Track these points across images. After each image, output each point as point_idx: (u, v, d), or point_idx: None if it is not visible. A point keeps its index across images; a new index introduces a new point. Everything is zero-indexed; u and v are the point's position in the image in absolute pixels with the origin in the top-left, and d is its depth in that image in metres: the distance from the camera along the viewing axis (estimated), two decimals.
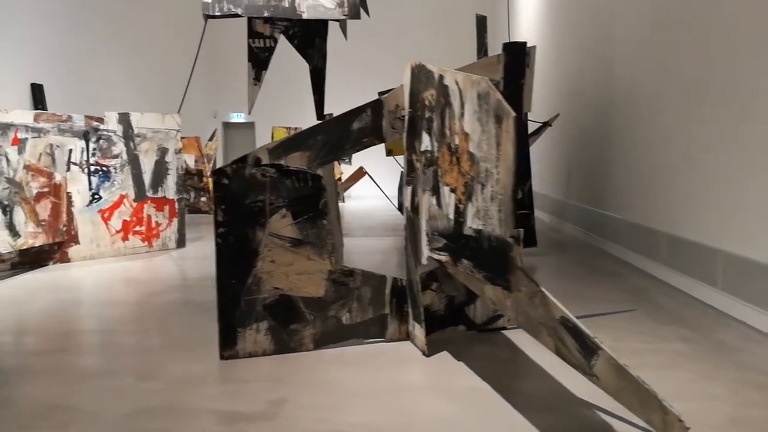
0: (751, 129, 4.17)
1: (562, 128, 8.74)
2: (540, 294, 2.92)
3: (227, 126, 16.39)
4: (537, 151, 10.61)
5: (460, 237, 3.14)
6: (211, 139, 11.72)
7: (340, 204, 12.48)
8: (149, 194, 7.16)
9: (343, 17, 6.90)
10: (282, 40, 6.81)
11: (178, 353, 3.68)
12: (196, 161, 11.09)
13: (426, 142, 3.42)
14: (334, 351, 3.67)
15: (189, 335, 3.99)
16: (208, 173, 11.48)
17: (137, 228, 7.09)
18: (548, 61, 10.13)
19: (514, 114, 2.61)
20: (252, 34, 6.67)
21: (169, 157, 7.26)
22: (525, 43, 3.85)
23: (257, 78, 6.91)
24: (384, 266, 6.38)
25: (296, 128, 13.01)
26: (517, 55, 3.83)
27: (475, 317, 4.07)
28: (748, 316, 4.16)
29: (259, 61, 6.80)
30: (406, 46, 13.94)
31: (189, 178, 11.19)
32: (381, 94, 8.17)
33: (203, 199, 11.33)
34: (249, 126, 15.41)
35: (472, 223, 3.05)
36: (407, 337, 3.85)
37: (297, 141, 3.53)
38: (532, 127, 8.08)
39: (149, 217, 7.17)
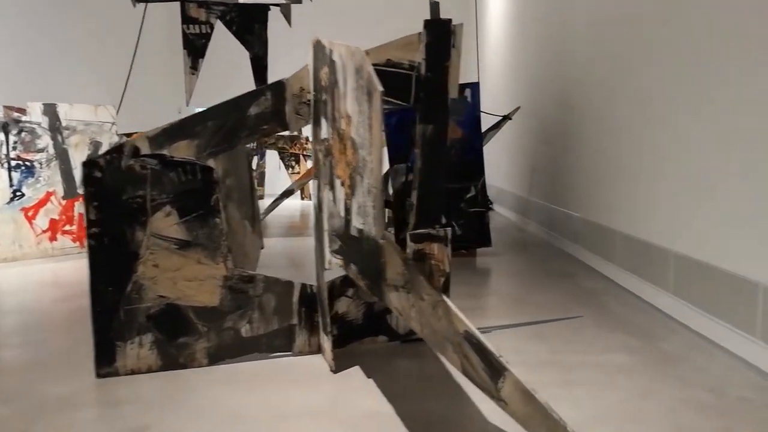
0: (699, 132, 3.80)
1: (524, 122, 8.37)
2: (443, 304, 2.52)
3: None
4: (501, 146, 10.26)
5: (349, 237, 2.74)
6: None
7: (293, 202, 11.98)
8: (80, 191, 6.67)
9: (285, 2, 6.47)
10: (220, 26, 6.38)
11: (53, 371, 3.24)
12: None
13: (324, 129, 3.01)
14: (230, 367, 3.25)
15: (74, 349, 3.54)
16: None
17: (67, 227, 6.61)
18: (512, 51, 9.76)
19: (381, 89, 2.20)
20: (186, 19, 6.23)
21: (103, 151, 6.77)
22: (450, 20, 3.44)
23: (194, 67, 6.48)
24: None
25: None
26: (441, 34, 3.42)
27: (397, 327, 3.68)
28: (697, 323, 3.79)
29: (196, 48, 6.36)
30: (359, 33, 13.57)
31: None
32: None
33: None
34: None
35: (356, 222, 2.65)
36: (319, 350, 3.44)
37: (183, 128, 3.10)
38: (492, 121, 7.71)
39: (81, 215, 6.69)
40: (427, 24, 3.38)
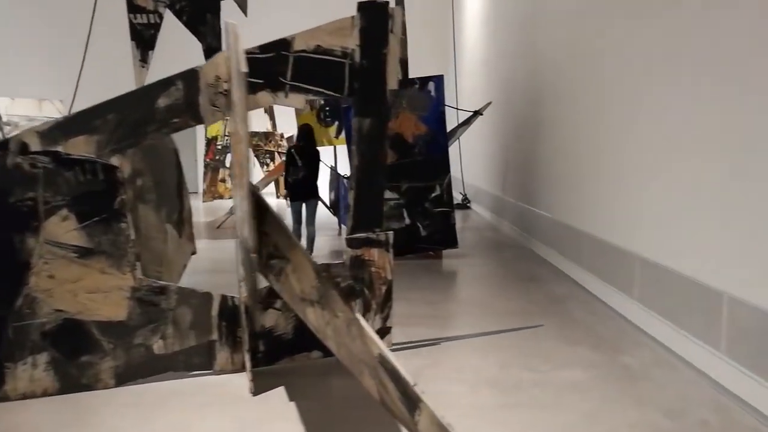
0: (664, 135, 3.50)
1: (499, 118, 8.07)
2: (356, 323, 2.19)
3: None
4: (477, 143, 9.96)
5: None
6: None
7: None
8: None
9: None
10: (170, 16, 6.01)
11: None
12: None
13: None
14: (141, 388, 2.91)
15: None
16: None
17: None
18: (488, 47, 9.45)
19: (244, 70, 1.86)
20: (132, 8, 5.84)
21: None
22: (387, 2, 3.11)
23: (143, 59, 6.07)
24: None
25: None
26: (378, 18, 3.09)
27: None
28: (663, 334, 3.49)
29: (144, 39, 5.96)
30: (320, 22, 13.09)
31: None
32: None
33: None
34: None
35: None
36: (243, 367, 3.10)
37: (80, 121, 2.76)
38: (462, 117, 7.42)
39: None
40: (362, 6, 3.05)
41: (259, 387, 2.90)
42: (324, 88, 3.12)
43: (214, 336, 3.07)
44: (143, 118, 2.82)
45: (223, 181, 12.86)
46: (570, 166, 5.32)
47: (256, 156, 12.55)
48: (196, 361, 3.06)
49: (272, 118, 11.90)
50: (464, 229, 8.40)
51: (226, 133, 12.81)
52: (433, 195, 5.99)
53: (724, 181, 2.90)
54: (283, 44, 3.02)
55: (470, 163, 10.90)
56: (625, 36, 4.12)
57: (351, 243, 3.27)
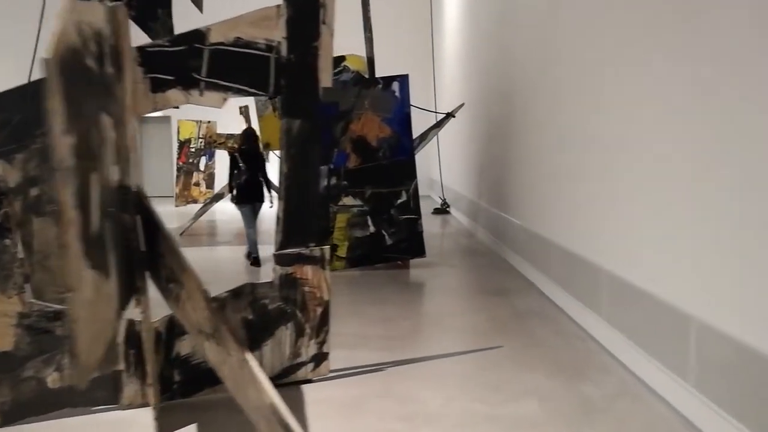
0: (637, 147, 3.17)
1: (475, 120, 7.74)
2: (247, 366, 1.84)
3: (141, 120, 15.03)
4: (455, 146, 9.63)
5: None
6: None
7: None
8: None
9: None
10: None
11: None
12: None
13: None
14: (30, 427, 2.55)
15: None
16: None
17: None
18: (465, 49, 9.13)
19: (48, 56, 1.51)
20: None
21: None
22: None
23: None
24: None
25: (208, 122, 11.83)
26: (306, 7, 2.75)
27: (262, 368, 2.99)
28: (630, 359, 3.16)
29: None
30: None
31: None
32: None
33: None
34: (165, 120, 14.11)
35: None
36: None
37: None
38: (438, 118, 7.08)
39: None
40: None
41: (167, 425, 2.54)
42: (246, 86, 2.77)
43: (121, 366, 2.71)
44: (29, 121, 2.45)
45: (197, 184, 12.51)
46: (538, 172, 5.00)
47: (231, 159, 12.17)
48: (100, 394, 2.70)
49: (248, 120, 11.56)
50: (439, 236, 8.08)
51: (200, 136, 12.46)
52: (399, 201, 5.65)
53: (701, 198, 2.57)
54: (197, 36, 2.67)
55: (450, 167, 10.57)
56: (596, 38, 3.79)
57: (280, 260, 2.92)
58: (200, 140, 12.33)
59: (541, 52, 4.93)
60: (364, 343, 3.69)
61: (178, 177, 12.19)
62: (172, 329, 2.79)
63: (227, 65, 2.71)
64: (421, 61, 11.86)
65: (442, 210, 10.56)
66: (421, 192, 13.25)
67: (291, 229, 2.93)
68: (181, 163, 12.21)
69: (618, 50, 3.40)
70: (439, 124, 6.88)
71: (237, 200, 6.00)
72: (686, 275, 2.65)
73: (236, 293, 2.88)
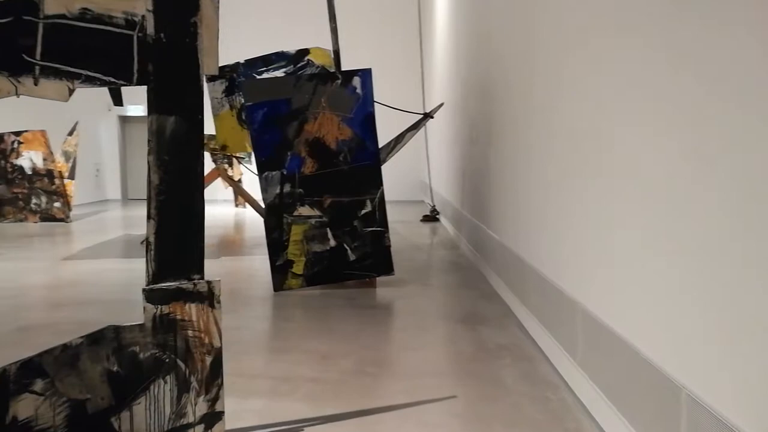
0: (631, 166, 2.49)
1: (458, 121, 7.07)
2: None
3: (125, 120, 14.46)
4: (443, 149, 8.97)
5: None
6: (71, 133, 9.87)
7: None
8: None
9: None
10: None
11: None
12: (44, 159, 9.23)
13: None
14: None
15: None
16: (65, 173, 9.65)
17: None
18: (452, 46, 8.46)
19: None
20: None
21: None
22: None
23: None
24: None
25: None
26: None
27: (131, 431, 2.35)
28: (608, 422, 2.48)
29: None
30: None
31: (38, 179, 9.35)
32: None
33: (57, 204, 9.47)
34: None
35: None
36: None
37: None
38: (410, 120, 6.42)
39: None
40: None
41: None
42: (100, 72, 2.12)
43: None
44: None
45: None
46: (513, 182, 4.32)
47: (214, 160, 11.59)
48: None
49: None
50: (421, 247, 7.41)
51: None
52: (363, 212, 4.99)
53: (705, 238, 1.89)
54: (27, 5, 2.03)
55: (438, 171, 9.92)
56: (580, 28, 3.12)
57: (153, 296, 2.27)
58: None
59: (520, 41, 4.25)
60: (288, 389, 3.03)
61: None
62: (5, 386, 2.16)
63: (71, 45, 2.08)
64: (411, 59, 11.23)
65: (432, 217, 9.89)
66: (413, 197, 12.70)
67: (166, 256, 2.28)
68: None
69: (612, 41, 2.72)
70: (415, 126, 6.22)
71: None
72: (678, 331, 1.97)
73: (95, 339, 2.24)
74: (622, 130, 2.43)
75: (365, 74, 4.82)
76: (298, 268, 5.01)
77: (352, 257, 5.05)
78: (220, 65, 6.20)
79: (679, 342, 1.95)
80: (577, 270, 2.98)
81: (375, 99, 5.43)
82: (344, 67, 4.98)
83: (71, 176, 9.71)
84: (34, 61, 2.04)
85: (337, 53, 5.56)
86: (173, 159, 2.23)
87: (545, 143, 3.57)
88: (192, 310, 2.34)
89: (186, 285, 2.31)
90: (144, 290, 2.27)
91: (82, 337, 2.22)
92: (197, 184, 2.30)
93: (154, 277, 2.28)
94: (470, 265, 6.07)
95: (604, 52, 2.63)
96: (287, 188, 4.86)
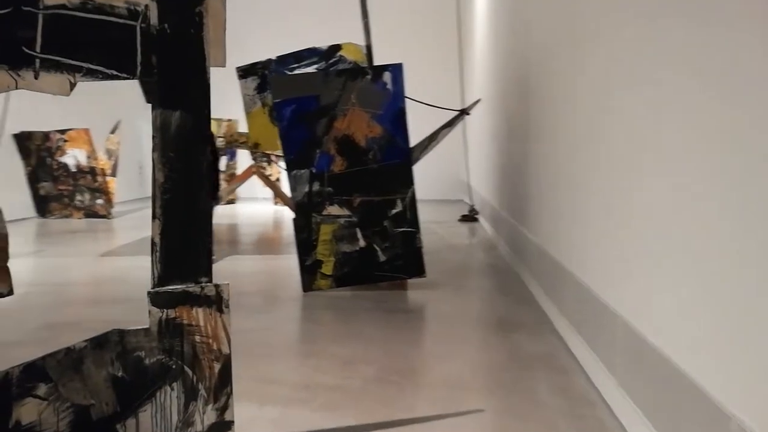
0: (664, 168, 2.26)
1: (496, 117, 6.83)
2: None
3: None
4: (482, 146, 8.73)
5: None
6: (113, 131, 10.05)
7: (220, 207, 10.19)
8: None
9: None
10: None
11: None
12: (88, 157, 9.42)
13: None
14: None
15: None
16: (108, 171, 9.83)
17: None
18: (492, 36, 8.20)
19: None
20: None
21: None
22: None
23: None
24: None
25: (229, 120, 11.30)
26: None
27: None
28: None
29: None
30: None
31: (81, 176, 9.55)
32: (241, 69, 6.39)
33: (99, 201, 9.66)
34: None
35: None
36: None
37: None
38: (445, 117, 6.21)
39: None
40: None
41: None
42: (102, 65, 2.03)
43: None
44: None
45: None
46: (552, 180, 4.08)
47: (253, 159, 11.64)
48: None
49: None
50: (457, 248, 7.19)
51: (220, 135, 11.96)
52: (394, 212, 4.83)
53: (764, 255, 1.66)
54: None
55: (478, 169, 9.67)
56: (640, 31, 2.88)
57: (159, 299, 2.17)
58: (220, 139, 11.85)
59: (563, 29, 4.01)
60: (306, 396, 2.90)
61: None
62: (8, 390, 2.09)
63: (72, 37, 1.98)
64: (448, 53, 10.99)
65: (470, 217, 9.65)
66: (452, 196, 12.46)
67: (173, 258, 2.18)
68: None
69: (656, 34, 2.49)
70: (451, 123, 6.02)
71: None
72: (730, 357, 1.74)
73: (99, 343, 2.15)
74: (682, 127, 2.20)
75: (396, 69, 4.65)
76: (328, 268, 4.89)
77: (382, 258, 4.89)
78: (251, 62, 6.17)
79: (731, 368, 1.72)
80: (620, 280, 2.74)
81: (408, 95, 5.27)
82: (378, 62, 4.82)
83: (113, 174, 9.89)
84: (34, 53, 1.95)
85: (369, 49, 5.40)
86: (179, 156, 2.12)
87: (589, 140, 3.33)
88: (199, 314, 2.23)
89: (193, 288, 2.20)
90: (149, 293, 2.17)
91: (86, 340, 2.14)
92: (204, 182, 2.18)
93: (160, 279, 2.18)
94: (507, 268, 5.84)
95: (666, 40, 2.39)
96: (316, 187, 4.75)
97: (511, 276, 5.48)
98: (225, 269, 6.10)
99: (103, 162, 9.77)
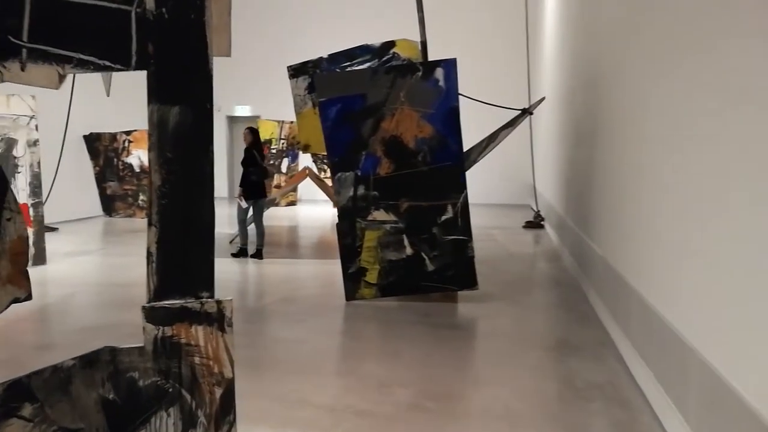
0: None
1: (563, 117, 6.35)
2: None
3: (232, 120, 14.89)
4: (548, 147, 8.23)
5: None
6: None
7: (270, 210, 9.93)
8: None
9: None
10: None
11: None
12: None
13: None
14: None
15: None
16: None
17: None
18: (560, 31, 7.70)
19: None
20: None
21: (19, 151, 5.69)
22: None
23: None
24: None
25: (291, 122, 11.27)
26: None
27: None
28: None
29: None
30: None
31: (145, 176, 9.73)
32: (292, 68, 6.21)
33: None
34: (256, 120, 13.85)
35: None
36: None
37: None
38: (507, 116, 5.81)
39: None
40: None
41: None
42: (94, 56, 1.83)
43: None
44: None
45: (279, 187, 12.01)
46: (625, 191, 3.64)
47: (314, 161, 11.57)
48: None
49: None
50: (519, 257, 6.74)
51: (282, 136, 11.96)
52: (444, 218, 4.50)
53: None
54: None
55: (544, 173, 9.15)
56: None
57: (153, 315, 1.96)
58: (282, 141, 11.83)
59: (628, 24, 3.57)
60: (330, 422, 2.63)
61: None
62: None
63: (62, 24, 1.80)
64: (514, 48, 10.49)
65: (535, 224, 9.13)
66: (517, 201, 11.89)
67: (170, 270, 1.96)
68: None
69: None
70: (512, 123, 5.61)
71: (248, 195, 6.37)
72: None
73: (89, 361, 1.96)
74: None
75: (449, 65, 4.32)
76: (372, 276, 4.62)
77: (430, 267, 4.57)
78: (302, 61, 5.98)
79: None
80: (695, 308, 2.31)
81: (466, 93, 4.94)
82: (435, 59, 4.52)
83: None
84: (21, 43, 1.78)
85: (424, 44, 5.11)
86: (178, 156, 1.90)
87: (662, 146, 2.90)
88: (199, 333, 2.00)
89: (192, 304, 1.98)
90: (144, 308, 1.96)
91: (74, 358, 1.96)
92: (206, 186, 1.95)
93: (156, 293, 1.96)
94: (570, 281, 5.37)
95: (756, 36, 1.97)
96: (361, 190, 4.49)
97: (574, 290, 5.02)
98: (275, 273, 5.96)
99: None
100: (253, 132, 6.63)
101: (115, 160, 9.74)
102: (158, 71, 1.85)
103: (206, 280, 1.99)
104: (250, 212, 6.49)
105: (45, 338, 3.83)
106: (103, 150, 9.77)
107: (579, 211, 5.41)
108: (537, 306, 4.72)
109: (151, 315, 1.96)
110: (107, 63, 1.85)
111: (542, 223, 9.14)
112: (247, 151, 6.45)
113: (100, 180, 9.85)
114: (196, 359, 2.01)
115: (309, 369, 3.31)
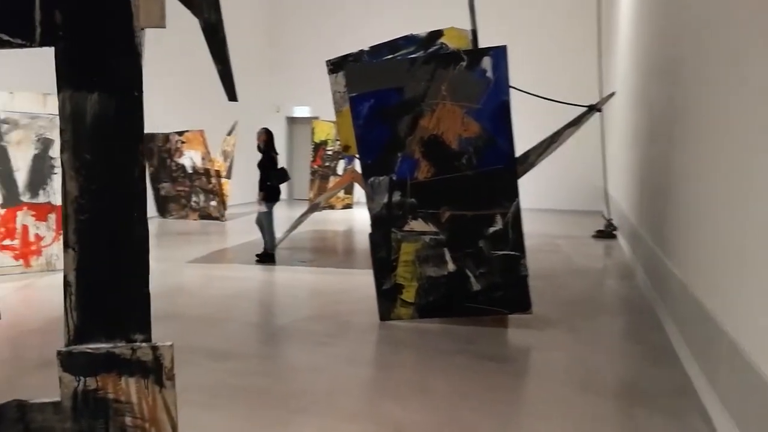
0: None
1: (638, 116, 5.59)
2: None
3: (292, 121, 14.66)
4: (621, 149, 7.41)
5: None
6: (230, 133, 10.01)
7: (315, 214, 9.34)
8: (24, 199, 5.51)
9: None
10: None
11: None
12: (202, 159, 9.43)
13: None
14: None
15: None
16: (223, 173, 9.81)
17: (7, 242, 5.47)
18: (633, 20, 6.88)
19: None
20: None
21: (56, 151, 5.54)
22: None
23: None
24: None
25: None
26: None
27: None
28: None
29: None
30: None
31: (196, 178, 9.60)
32: (331, 63, 5.76)
33: (213, 203, 9.65)
34: (311, 120, 13.55)
35: None
36: None
37: None
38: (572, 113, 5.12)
39: (25, 227, 5.53)
40: None
41: None
42: None
43: None
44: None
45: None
46: (710, 202, 2.94)
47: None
48: None
49: None
50: (585, 272, 6.01)
51: (337, 138, 11.59)
52: (492, 230, 3.91)
53: None
54: None
55: (616, 178, 8.31)
56: None
57: (71, 363, 1.53)
58: (338, 142, 11.47)
59: (718, 8, 2.87)
60: None
61: (312, 181, 11.45)
62: None
63: None
64: (585, 36, 9.65)
65: (607, 233, 8.29)
66: (588, 207, 11.00)
67: (93, 305, 1.52)
68: (315, 167, 11.46)
69: None
70: (577, 121, 4.93)
71: (270, 199, 6.26)
72: None
73: None
74: None
75: (498, 53, 3.73)
76: (409, 294, 4.09)
77: (476, 287, 3.99)
78: (341, 54, 5.52)
79: None
80: None
81: (520, 86, 4.32)
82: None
83: (228, 176, 9.85)
84: None
85: (474, 33, 4.54)
86: (99, 158, 1.46)
87: (758, 149, 2.22)
88: (131, 386, 1.55)
89: (121, 349, 1.53)
90: (59, 353, 1.54)
91: None
92: (137, 198, 1.50)
93: (77, 334, 1.53)
94: (643, 305, 4.63)
95: None
96: (396, 197, 3.97)
97: (647, 317, 4.29)
98: (309, 283, 5.55)
99: (218, 164, 9.77)
100: (268, 133, 6.44)
101: (168, 160, 9.66)
102: (69, 47, 1.42)
103: (139, 319, 1.54)
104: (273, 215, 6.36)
105: (46, 354, 3.55)
106: (157, 150, 9.72)
107: (654, 222, 4.67)
108: (601, 335, 4.04)
109: (69, 362, 1.53)
110: (6, 37, 1.43)
111: (614, 232, 8.29)
112: (264, 153, 6.31)
113: (155, 181, 9.81)
114: (128, 420, 1.56)
115: (317, 407, 2.81)
